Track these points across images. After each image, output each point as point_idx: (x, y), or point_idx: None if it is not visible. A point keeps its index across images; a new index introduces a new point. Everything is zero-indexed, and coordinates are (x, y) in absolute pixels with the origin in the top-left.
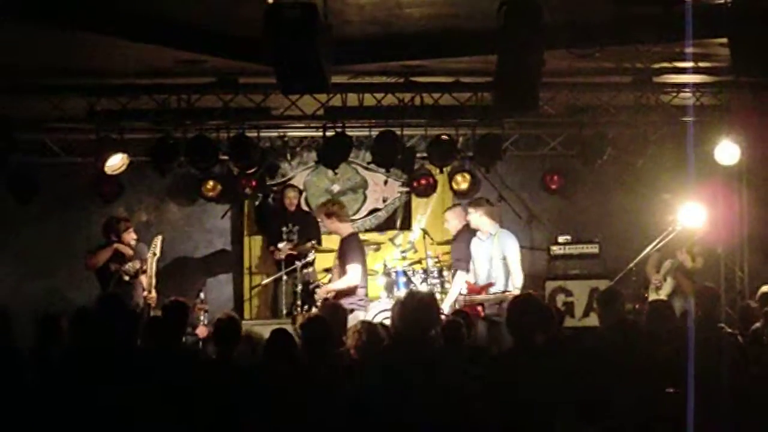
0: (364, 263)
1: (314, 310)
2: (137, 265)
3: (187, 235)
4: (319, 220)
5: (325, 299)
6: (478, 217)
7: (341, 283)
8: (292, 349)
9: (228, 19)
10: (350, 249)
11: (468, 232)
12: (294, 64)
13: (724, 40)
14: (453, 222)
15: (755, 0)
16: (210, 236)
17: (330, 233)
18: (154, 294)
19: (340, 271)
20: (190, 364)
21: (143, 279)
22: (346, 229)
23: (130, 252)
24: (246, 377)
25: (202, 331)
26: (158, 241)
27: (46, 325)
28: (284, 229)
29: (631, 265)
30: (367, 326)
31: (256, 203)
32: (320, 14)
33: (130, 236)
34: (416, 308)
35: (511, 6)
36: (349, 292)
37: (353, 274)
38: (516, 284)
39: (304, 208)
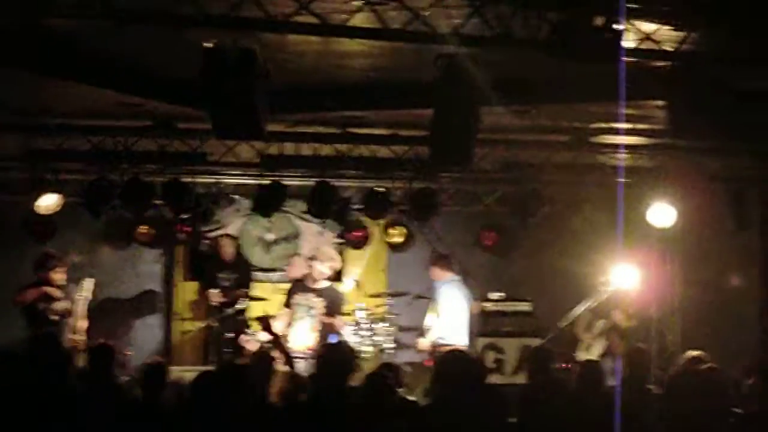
0: None
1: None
2: (66, 305)
3: (118, 279)
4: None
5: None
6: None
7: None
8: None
9: (167, 63)
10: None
11: None
12: (230, 110)
13: (662, 102)
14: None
15: (693, 64)
16: (141, 280)
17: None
18: (84, 338)
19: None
20: (116, 405)
21: (71, 321)
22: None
23: (58, 294)
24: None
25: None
26: (89, 284)
27: None
28: (220, 275)
29: (563, 324)
30: (290, 375)
31: (190, 249)
32: (259, 61)
33: (58, 275)
34: (332, 359)
35: (447, 60)
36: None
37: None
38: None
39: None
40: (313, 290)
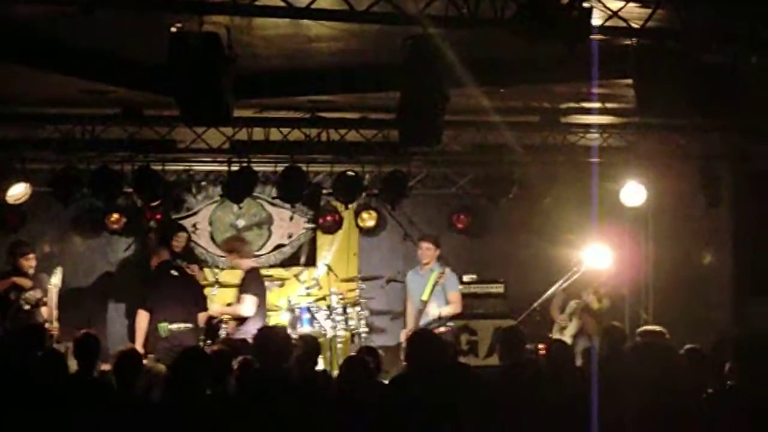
0: (262, 298)
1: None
2: (38, 294)
3: (90, 268)
4: (222, 255)
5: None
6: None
7: (232, 309)
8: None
9: (133, 49)
10: (249, 282)
11: None
12: (196, 96)
13: (630, 80)
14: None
15: (659, 41)
16: (113, 269)
17: (232, 268)
18: (56, 325)
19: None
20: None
21: (44, 310)
22: (248, 264)
23: (28, 283)
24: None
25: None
26: (59, 272)
27: None
28: (179, 261)
29: (535, 305)
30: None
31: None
32: (224, 46)
33: (28, 263)
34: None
35: (414, 42)
36: (244, 321)
37: (248, 305)
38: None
39: (204, 245)
40: None
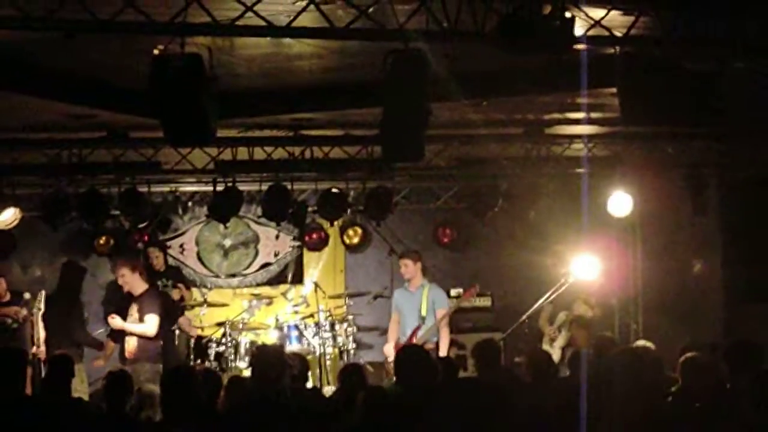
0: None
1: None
2: (23, 312)
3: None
4: (119, 275)
5: None
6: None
7: (137, 327)
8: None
9: (115, 72)
10: (151, 301)
11: None
12: (179, 116)
13: (614, 89)
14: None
15: (643, 50)
16: (103, 291)
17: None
18: (43, 348)
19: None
20: (79, 416)
21: (33, 333)
22: (142, 285)
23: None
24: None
25: None
26: (41, 296)
27: None
28: (159, 283)
29: (524, 317)
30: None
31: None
32: (206, 66)
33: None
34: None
35: (397, 56)
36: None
37: (151, 324)
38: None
39: (192, 266)
40: None
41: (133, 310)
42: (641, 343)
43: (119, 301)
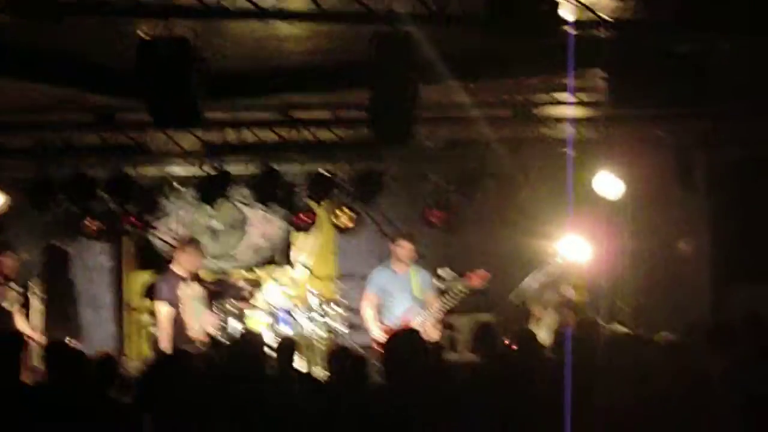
0: None
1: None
2: (15, 295)
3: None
4: None
5: None
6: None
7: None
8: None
9: (103, 54)
10: None
11: None
12: (165, 98)
13: (602, 72)
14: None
15: (630, 32)
16: (91, 274)
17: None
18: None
19: None
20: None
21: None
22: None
23: None
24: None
25: None
26: (38, 282)
27: None
28: None
29: (512, 297)
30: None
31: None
32: (193, 48)
33: None
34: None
35: (383, 39)
36: None
37: None
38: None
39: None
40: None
41: None
42: (616, 326)
43: None
